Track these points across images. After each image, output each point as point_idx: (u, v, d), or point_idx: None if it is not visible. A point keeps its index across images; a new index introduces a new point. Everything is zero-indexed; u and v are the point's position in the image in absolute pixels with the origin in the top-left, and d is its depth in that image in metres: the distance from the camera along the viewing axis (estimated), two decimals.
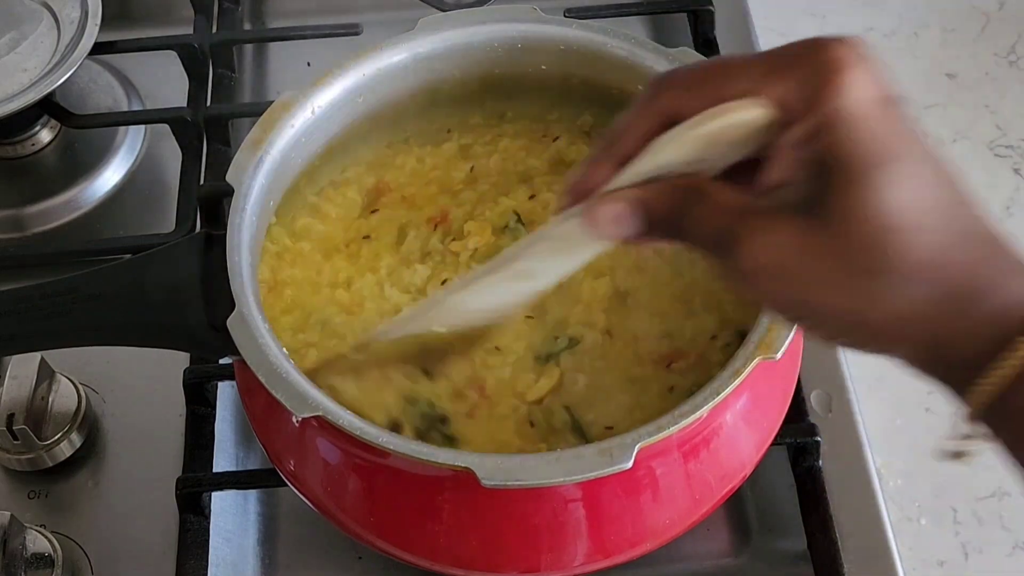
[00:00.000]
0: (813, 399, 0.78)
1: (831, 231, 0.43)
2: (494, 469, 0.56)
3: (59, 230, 0.90)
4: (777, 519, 0.74)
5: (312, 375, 0.60)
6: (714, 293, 0.68)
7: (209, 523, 0.73)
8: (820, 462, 0.74)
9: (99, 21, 0.89)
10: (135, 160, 0.94)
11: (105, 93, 0.96)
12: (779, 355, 0.59)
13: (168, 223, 0.87)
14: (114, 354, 0.79)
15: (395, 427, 0.62)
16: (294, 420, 0.63)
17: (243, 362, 0.60)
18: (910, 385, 1.42)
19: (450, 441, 0.63)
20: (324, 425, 0.60)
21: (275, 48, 1.01)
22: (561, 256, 0.53)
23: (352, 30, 0.96)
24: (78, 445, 0.77)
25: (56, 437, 0.75)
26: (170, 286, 0.64)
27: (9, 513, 0.69)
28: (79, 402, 0.77)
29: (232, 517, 0.75)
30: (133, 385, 0.80)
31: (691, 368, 0.66)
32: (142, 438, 0.78)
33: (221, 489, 0.74)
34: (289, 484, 0.67)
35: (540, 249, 0.53)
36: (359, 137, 0.74)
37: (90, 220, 0.90)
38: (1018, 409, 0.43)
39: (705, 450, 0.63)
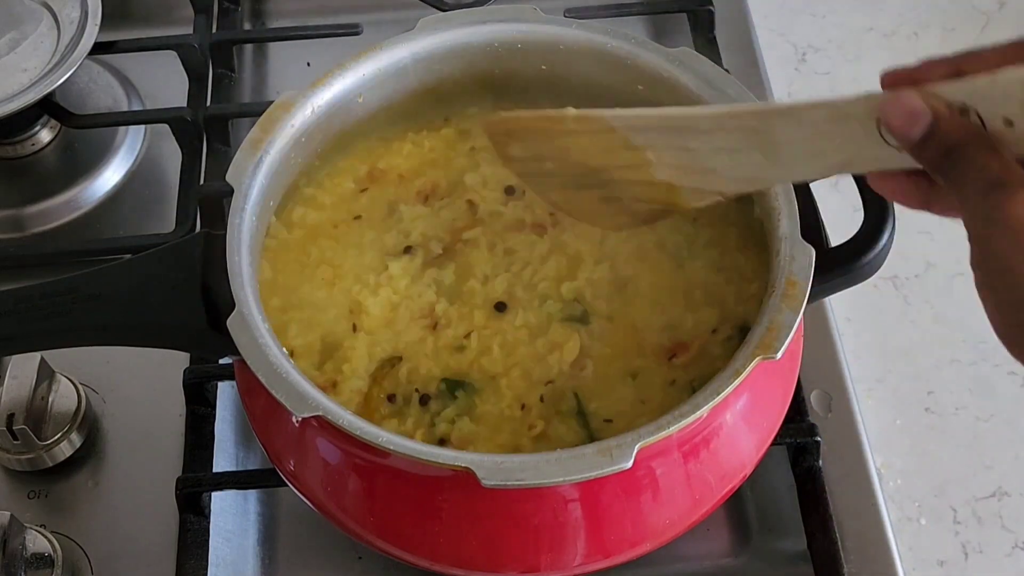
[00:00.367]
0: (813, 399, 0.78)
1: None
2: (494, 469, 0.56)
3: (59, 230, 0.90)
4: (777, 519, 0.74)
5: None
6: (715, 287, 0.68)
7: (209, 523, 0.73)
8: (820, 462, 0.74)
9: (99, 21, 0.89)
10: (135, 160, 0.94)
11: (105, 93, 0.96)
12: (779, 355, 0.59)
13: (168, 223, 0.87)
14: (114, 354, 0.79)
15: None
16: (294, 420, 0.63)
17: (243, 362, 0.60)
18: (910, 385, 1.42)
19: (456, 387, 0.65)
20: (324, 425, 0.60)
21: (275, 48, 1.01)
22: (819, 141, 0.51)
23: (352, 30, 0.96)
24: (78, 445, 0.77)
25: (56, 437, 0.75)
26: (170, 286, 0.64)
27: (9, 513, 0.69)
28: (79, 402, 0.77)
29: (232, 517, 0.75)
30: (133, 385, 0.80)
31: (692, 362, 0.66)
32: (142, 438, 0.78)
33: (221, 489, 0.74)
34: (289, 484, 0.67)
35: (808, 116, 0.52)
36: (359, 136, 0.74)
37: (90, 220, 0.90)
38: None
39: (705, 450, 0.63)
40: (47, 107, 0.90)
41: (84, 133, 0.93)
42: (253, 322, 0.60)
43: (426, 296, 0.68)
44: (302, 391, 0.58)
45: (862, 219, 0.66)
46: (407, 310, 0.68)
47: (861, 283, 0.67)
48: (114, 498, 0.76)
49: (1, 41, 0.88)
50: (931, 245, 1.71)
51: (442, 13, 0.74)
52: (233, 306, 0.61)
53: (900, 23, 2.02)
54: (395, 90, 0.73)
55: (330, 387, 0.65)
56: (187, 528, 0.72)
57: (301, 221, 0.72)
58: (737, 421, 0.64)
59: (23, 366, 0.74)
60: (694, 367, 0.66)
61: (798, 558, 0.72)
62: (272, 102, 0.69)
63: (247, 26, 1.03)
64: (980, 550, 1.51)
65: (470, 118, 0.76)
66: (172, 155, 0.91)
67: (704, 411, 0.58)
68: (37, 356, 0.75)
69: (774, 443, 0.67)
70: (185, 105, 0.92)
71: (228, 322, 0.60)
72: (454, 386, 0.65)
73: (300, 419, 0.61)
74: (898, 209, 0.66)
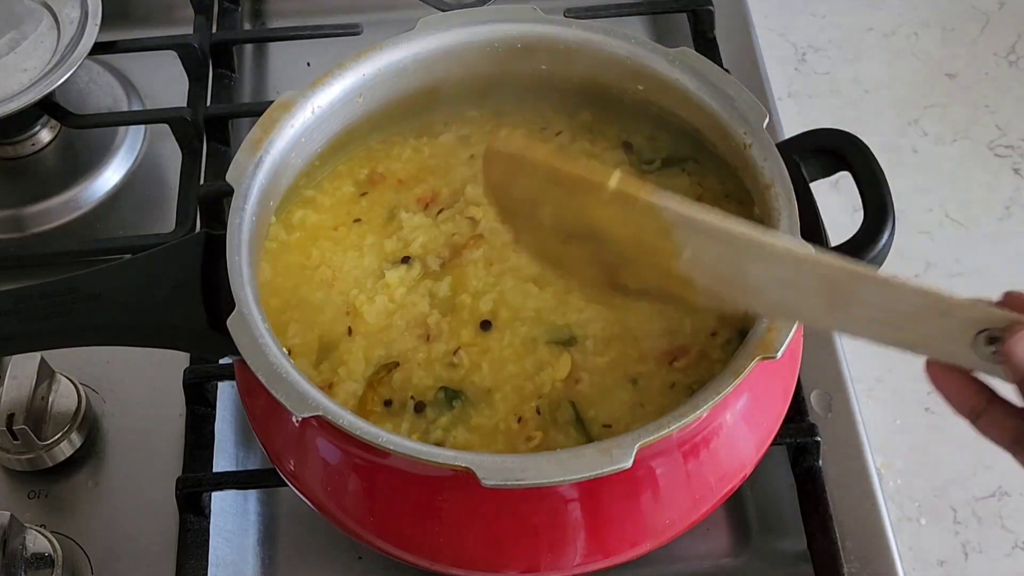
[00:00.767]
0: (813, 399, 0.78)
1: None
2: (494, 469, 0.56)
3: (59, 230, 0.90)
4: (777, 519, 0.74)
5: None
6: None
7: (209, 523, 0.73)
8: (820, 462, 0.74)
9: (99, 21, 0.89)
10: (135, 160, 0.94)
11: (105, 93, 0.96)
12: (779, 355, 0.59)
13: (168, 223, 0.87)
14: (114, 354, 0.79)
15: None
16: (294, 420, 0.63)
17: (243, 362, 0.60)
18: (910, 385, 1.42)
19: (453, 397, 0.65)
20: (324, 425, 0.60)
21: (275, 48, 1.01)
22: (902, 319, 0.50)
23: (352, 30, 0.96)
24: (78, 445, 0.77)
25: (56, 437, 0.75)
26: (170, 286, 0.64)
27: (9, 513, 0.69)
28: (79, 402, 0.77)
29: (232, 517, 0.75)
30: (133, 385, 0.80)
31: (692, 365, 0.66)
32: (142, 438, 0.78)
33: (221, 489, 0.74)
34: (289, 484, 0.67)
35: (906, 297, 0.49)
36: (359, 137, 0.74)
37: (90, 220, 0.90)
38: None
39: (705, 450, 0.63)
40: (47, 107, 0.90)
41: (84, 133, 0.93)
42: (253, 322, 0.60)
43: (420, 306, 0.68)
44: (302, 391, 0.58)
45: (862, 219, 0.66)
46: (402, 318, 0.68)
47: None
48: (114, 498, 0.76)
49: (1, 41, 0.88)
50: (931, 245, 1.71)
51: (442, 13, 0.74)
52: (233, 306, 0.61)
53: (900, 23, 2.02)
54: (395, 90, 0.73)
55: (326, 388, 0.65)
56: (187, 528, 0.72)
57: (301, 223, 0.72)
58: (737, 421, 0.64)
59: (23, 366, 0.74)
60: (694, 371, 0.66)
61: (798, 558, 0.72)
62: (272, 102, 0.69)
63: (247, 26, 1.03)
64: (980, 550, 1.51)
65: (469, 122, 0.76)
66: (172, 155, 0.91)
67: (704, 411, 0.58)
68: (37, 356, 0.75)
69: (774, 443, 0.67)
70: (185, 105, 0.92)
71: (228, 322, 0.60)
72: (452, 395, 0.65)
73: (300, 419, 0.61)
74: (898, 209, 0.66)
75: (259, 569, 0.74)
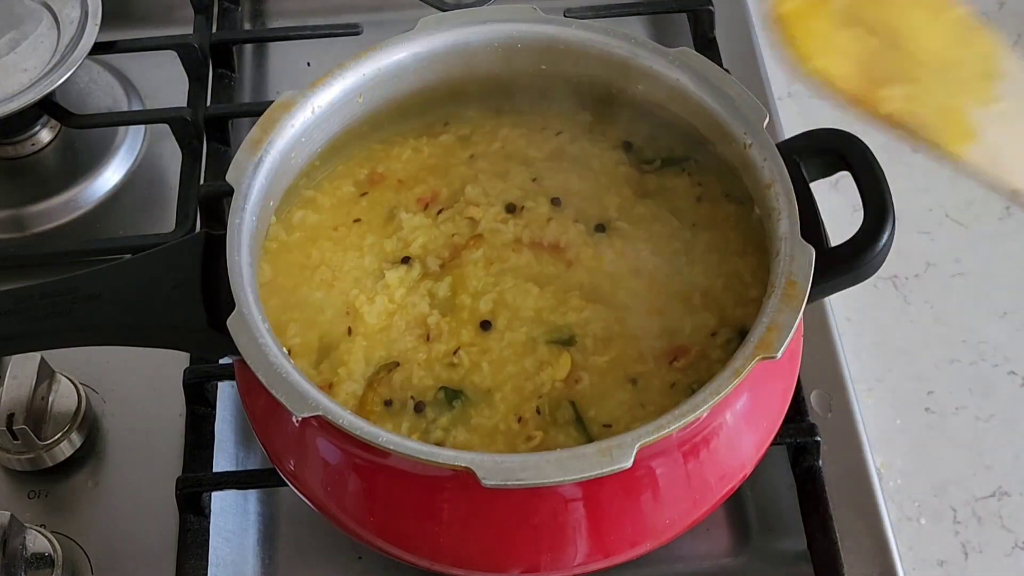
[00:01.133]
0: (813, 399, 0.78)
1: None
2: (494, 469, 0.56)
3: (59, 230, 0.90)
4: (777, 519, 0.74)
5: None
6: (713, 291, 0.68)
7: (209, 523, 0.73)
8: (820, 462, 0.74)
9: (99, 21, 0.89)
10: (135, 160, 0.94)
11: (105, 93, 0.97)
12: (779, 355, 0.59)
13: (168, 223, 0.87)
14: (114, 354, 0.79)
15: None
16: (294, 420, 0.63)
17: (243, 362, 0.60)
18: (910, 385, 1.42)
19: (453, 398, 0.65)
20: (324, 425, 0.60)
21: (275, 48, 1.01)
22: None
23: (352, 30, 0.96)
24: (78, 445, 0.77)
25: (56, 437, 0.75)
26: (170, 286, 0.64)
27: (9, 513, 0.69)
28: (79, 402, 0.77)
29: (232, 517, 0.75)
30: (133, 385, 0.80)
31: (692, 365, 0.66)
32: (142, 438, 0.78)
33: (221, 489, 0.74)
34: (289, 484, 0.67)
35: None
36: (359, 136, 0.74)
37: (90, 220, 0.90)
38: None
39: (705, 450, 0.63)
40: (47, 107, 0.90)
41: (84, 133, 0.93)
42: (253, 322, 0.60)
43: (420, 307, 0.68)
44: (302, 391, 0.58)
45: (862, 219, 0.66)
46: (402, 319, 0.68)
47: (861, 283, 0.67)
48: (114, 498, 0.76)
49: (1, 41, 0.88)
50: (931, 245, 1.71)
51: (442, 13, 0.74)
52: (233, 306, 0.61)
53: None
54: (395, 90, 0.73)
55: (326, 388, 0.65)
56: (187, 528, 0.72)
57: (301, 223, 0.72)
58: (737, 421, 0.64)
59: (23, 366, 0.74)
60: (693, 370, 0.66)
61: (798, 558, 0.72)
62: (272, 102, 0.69)
63: (247, 26, 1.03)
64: (980, 550, 1.50)
65: (469, 122, 0.76)
66: (172, 155, 0.91)
67: (704, 411, 0.58)
68: (37, 356, 0.75)
69: (774, 443, 0.67)
70: (185, 105, 0.92)
71: (228, 322, 0.60)
72: (452, 395, 0.65)
73: (300, 419, 0.61)
74: (898, 209, 0.66)
75: (259, 569, 0.74)
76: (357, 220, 0.72)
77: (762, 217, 0.66)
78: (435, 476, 0.61)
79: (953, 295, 1.33)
